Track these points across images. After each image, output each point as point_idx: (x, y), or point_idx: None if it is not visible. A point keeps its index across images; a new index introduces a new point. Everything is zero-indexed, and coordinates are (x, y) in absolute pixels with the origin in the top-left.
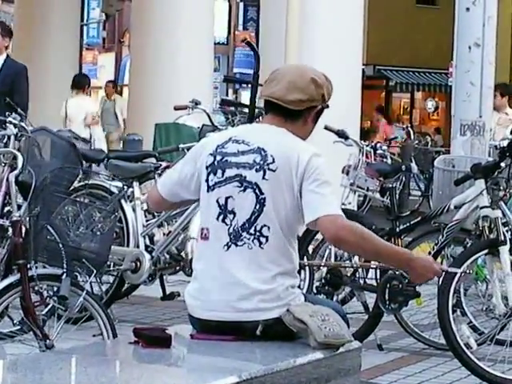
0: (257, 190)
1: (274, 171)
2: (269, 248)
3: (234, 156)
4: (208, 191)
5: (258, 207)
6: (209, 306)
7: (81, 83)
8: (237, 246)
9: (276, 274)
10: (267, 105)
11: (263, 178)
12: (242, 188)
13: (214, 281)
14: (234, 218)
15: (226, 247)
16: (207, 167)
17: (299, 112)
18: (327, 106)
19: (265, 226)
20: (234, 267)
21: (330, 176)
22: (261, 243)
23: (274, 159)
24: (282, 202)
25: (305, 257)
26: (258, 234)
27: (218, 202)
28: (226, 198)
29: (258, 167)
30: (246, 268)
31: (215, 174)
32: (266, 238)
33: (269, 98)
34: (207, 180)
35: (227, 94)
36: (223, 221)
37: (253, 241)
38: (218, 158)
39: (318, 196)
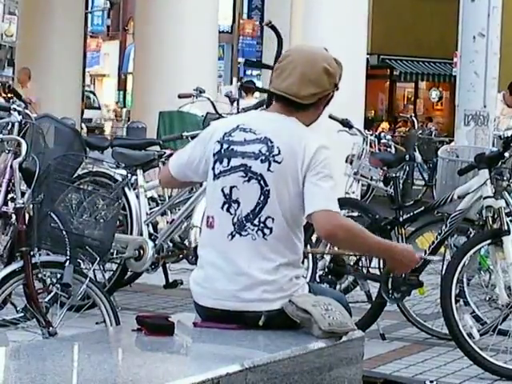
0: (261, 182)
1: (279, 163)
2: (273, 239)
3: (240, 145)
4: (214, 179)
5: (262, 199)
6: (213, 295)
7: (248, 88)
8: (241, 235)
9: (279, 265)
10: (278, 95)
11: (268, 169)
12: (247, 178)
13: (219, 270)
14: (238, 208)
15: (230, 236)
16: (214, 155)
17: (311, 103)
18: (337, 89)
19: (269, 217)
20: (238, 257)
21: (334, 165)
22: (264, 234)
23: (279, 151)
24: (287, 193)
25: (308, 245)
26: (262, 225)
27: (222, 191)
28: (231, 188)
29: (263, 158)
30: (249, 258)
31: (221, 163)
32: (270, 229)
33: (281, 93)
34: (213, 168)
35: (231, 83)
36: (228, 210)
37: (257, 232)
38: (225, 146)
39: (318, 189)
